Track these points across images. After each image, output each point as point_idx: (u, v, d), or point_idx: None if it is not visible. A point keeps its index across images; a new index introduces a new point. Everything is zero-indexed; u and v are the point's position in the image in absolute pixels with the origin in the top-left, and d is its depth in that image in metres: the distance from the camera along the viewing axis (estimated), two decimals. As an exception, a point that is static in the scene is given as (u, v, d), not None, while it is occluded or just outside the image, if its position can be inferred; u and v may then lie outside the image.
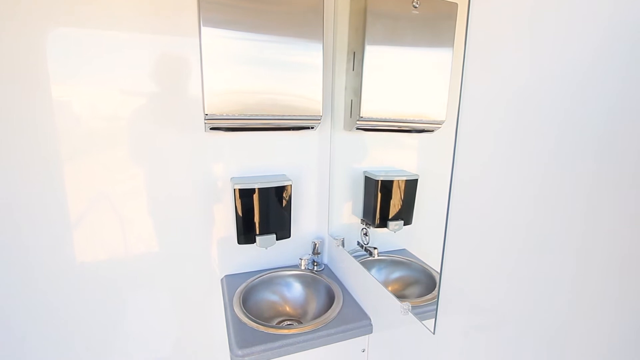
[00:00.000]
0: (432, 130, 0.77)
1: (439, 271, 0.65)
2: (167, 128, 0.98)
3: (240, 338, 0.83)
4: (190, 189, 1.04)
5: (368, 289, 0.94)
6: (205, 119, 0.91)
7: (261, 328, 0.87)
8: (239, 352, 0.79)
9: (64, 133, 0.90)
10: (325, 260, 1.25)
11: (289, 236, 1.12)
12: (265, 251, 1.17)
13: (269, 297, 1.09)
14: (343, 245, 1.09)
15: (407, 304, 0.75)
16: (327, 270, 1.19)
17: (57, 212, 0.94)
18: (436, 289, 0.67)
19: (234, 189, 1.01)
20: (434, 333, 0.66)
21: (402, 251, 0.93)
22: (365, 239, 1.00)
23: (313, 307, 1.07)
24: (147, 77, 0.93)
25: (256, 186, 1.02)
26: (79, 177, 0.94)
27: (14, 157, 0.88)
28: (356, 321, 0.92)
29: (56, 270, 0.97)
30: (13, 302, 0.96)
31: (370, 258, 0.98)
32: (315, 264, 1.18)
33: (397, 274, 0.96)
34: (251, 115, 0.93)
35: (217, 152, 1.04)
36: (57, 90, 0.87)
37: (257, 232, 1.06)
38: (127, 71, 0.92)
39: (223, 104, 0.91)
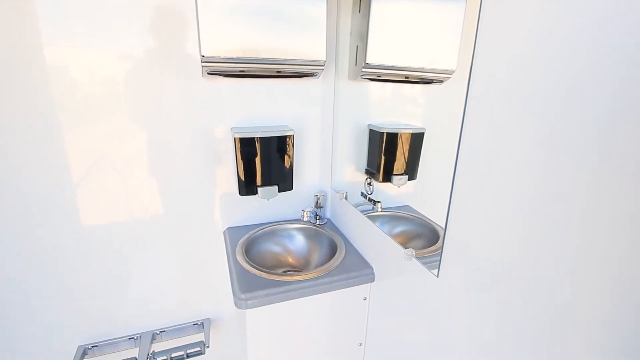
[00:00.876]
0: (442, 81, 0.73)
1: (442, 225, 0.64)
2: (167, 81, 0.94)
3: (244, 284, 0.84)
4: (190, 141, 1.01)
5: (371, 239, 0.94)
6: (202, 62, 0.86)
7: (264, 275, 0.87)
8: (242, 296, 0.80)
9: (62, 98, 0.87)
10: (328, 215, 1.25)
11: (291, 188, 1.10)
12: (268, 204, 1.16)
13: (272, 248, 1.10)
14: (346, 198, 1.08)
15: (410, 250, 0.74)
16: (330, 224, 1.19)
17: (60, 178, 0.93)
18: (440, 241, 0.66)
19: (235, 138, 0.97)
20: (437, 276, 0.66)
21: (405, 207, 0.91)
22: (369, 189, 0.98)
23: (315, 258, 1.08)
24: (144, 33, 0.88)
25: (257, 135, 0.99)
26: (79, 142, 0.92)
27: (13, 125, 0.86)
28: (358, 270, 0.93)
29: (62, 232, 0.98)
30: (21, 264, 0.98)
31: (373, 213, 0.97)
32: (317, 217, 1.18)
33: (400, 228, 0.96)
34: (250, 58, 0.88)
35: (217, 101, 1.00)
36: (52, 54, 0.84)
37: (259, 184, 1.04)
38: (123, 29, 0.86)
39: (220, 46, 0.85)
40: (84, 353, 1.07)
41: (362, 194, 1.00)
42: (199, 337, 1.18)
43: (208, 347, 1.12)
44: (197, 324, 1.19)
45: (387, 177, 0.96)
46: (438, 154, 0.74)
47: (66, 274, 1.02)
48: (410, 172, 0.91)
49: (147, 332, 1.14)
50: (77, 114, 0.90)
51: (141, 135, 0.97)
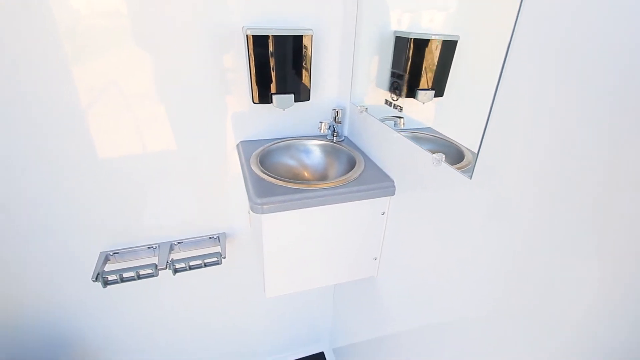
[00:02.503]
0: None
1: (467, 147, 0.59)
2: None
3: (260, 190, 0.81)
4: (200, 42, 0.91)
5: (393, 150, 0.87)
6: None
7: (280, 183, 0.84)
8: (258, 201, 0.77)
9: (66, 30, 0.81)
10: (346, 133, 1.18)
11: (308, 99, 1.02)
12: (282, 117, 1.09)
13: (287, 161, 1.05)
14: (367, 112, 1.00)
15: (439, 154, 0.68)
16: (347, 141, 1.12)
17: (72, 111, 0.90)
18: (464, 160, 0.60)
19: (247, 36, 0.87)
20: (470, 178, 0.60)
21: (428, 129, 0.83)
22: (395, 96, 0.89)
23: (333, 173, 1.04)
24: None
25: (271, 33, 0.88)
26: (88, 74, 0.87)
27: (17, 61, 0.81)
28: (378, 182, 0.88)
29: (79, 166, 0.98)
30: (45, 186, 0.98)
31: (394, 129, 0.89)
32: (335, 134, 1.11)
33: (423, 147, 0.89)
34: None
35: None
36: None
37: (274, 91, 0.96)
38: None
39: None
40: (106, 259, 1.10)
41: (386, 101, 0.91)
42: (216, 249, 1.20)
43: (224, 257, 1.15)
44: (212, 237, 1.21)
45: (412, 92, 0.86)
46: (471, 68, 0.64)
47: (86, 195, 1.03)
48: (438, 86, 0.81)
49: (165, 242, 1.17)
50: (82, 45, 0.84)
51: (149, 50, 0.87)
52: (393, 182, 0.88)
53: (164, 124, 0.99)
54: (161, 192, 1.09)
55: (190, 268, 1.13)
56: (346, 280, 1.03)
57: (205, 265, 1.14)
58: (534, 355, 0.51)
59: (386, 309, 1.04)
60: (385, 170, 0.93)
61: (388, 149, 0.91)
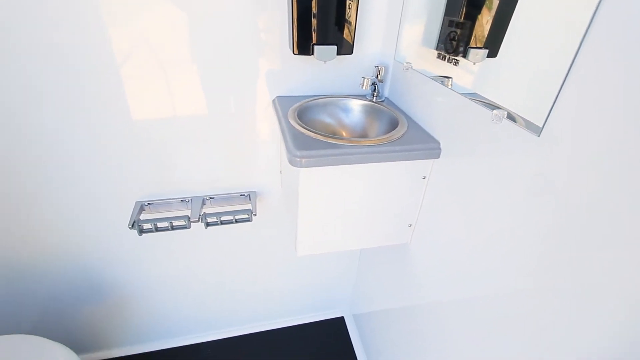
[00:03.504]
0: None
1: (523, 116, 0.54)
2: None
3: (299, 143, 0.77)
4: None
5: (442, 108, 0.81)
6: None
7: (320, 137, 0.80)
8: (298, 153, 0.74)
9: None
10: (386, 93, 1.11)
11: (351, 52, 0.96)
12: (322, 71, 1.03)
13: (325, 119, 1.01)
14: (412, 68, 0.93)
15: (500, 111, 0.62)
16: (388, 102, 1.06)
17: (107, 70, 0.90)
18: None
19: (291, -23, 0.81)
20: (539, 135, 0.54)
21: (474, 95, 0.76)
22: (445, 53, 0.81)
23: (373, 133, 0.99)
24: None
25: (318, -26, 0.81)
26: (123, 35, 0.86)
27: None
28: (423, 143, 0.83)
29: (113, 125, 0.99)
30: (82, 142, 1.00)
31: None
32: (375, 93, 1.05)
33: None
34: None
35: None
36: None
37: (315, 42, 0.90)
38: None
39: None
40: (141, 208, 1.12)
41: (439, 54, 0.84)
42: (246, 206, 1.20)
43: (255, 215, 1.14)
44: (243, 195, 1.21)
45: (463, 50, 0.78)
46: (535, 25, 0.55)
47: (121, 150, 1.04)
48: (492, 45, 0.72)
49: (197, 196, 1.17)
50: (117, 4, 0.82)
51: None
52: (439, 143, 0.83)
53: (195, 84, 0.97)
54: (193, 150, 1.09)
55: (222, 223, 1.13)
56: (378, 245, 1.01)
57: (236, 221, 1.14)
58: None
59: (416, 279, 1.01)
60: (431, 132, 0.87)
61: (436, 108, 0.84)
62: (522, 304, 0.59)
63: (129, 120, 0.99)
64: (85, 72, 0.89)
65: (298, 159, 0.74)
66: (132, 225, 1.06)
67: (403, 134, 0.85)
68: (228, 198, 1.20)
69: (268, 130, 1.11)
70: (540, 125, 0.54)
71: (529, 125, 0.56)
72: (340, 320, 1.79)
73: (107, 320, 1.44)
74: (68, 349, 1.05)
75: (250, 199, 1.20)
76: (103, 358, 1.52)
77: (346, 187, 0.84)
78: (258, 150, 1.15)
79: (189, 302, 1.49)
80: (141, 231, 1.08)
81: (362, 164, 0.80)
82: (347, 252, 1.53)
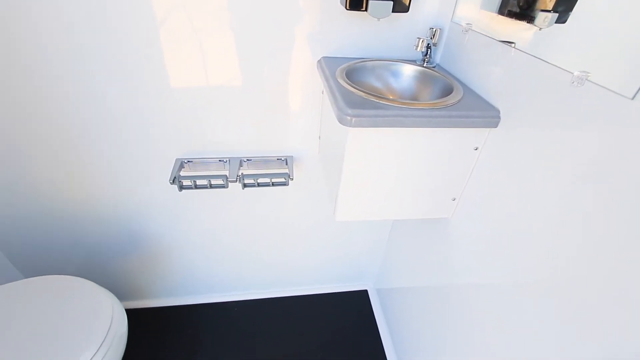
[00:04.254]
0: None
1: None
2: None
3: (350, 101, 0.74)
4: None
5: (505, 72, 0.75)
6: None
7: (372, 98, 0.76)
8: (349, 111, 0.71)
9: None
10: (438, 59, 1.04)
11: (407, 10, 0.89)
12: (372, 32, 0.98)
13: (373, 82, 0.96)
14: (472, 30, 0.86)
15: (584, 72, 0.56)
16: (439, 69, 1.00)
17: (148, 41, 0.91)
18: None
19: None
20: (632, 98, 0.48)
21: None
22: (516, 8, 0.74)
23: (425, 99, 0.93)
24: None
25: None
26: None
27: None
28: (481, 110, 0.77)
29: (153, 91, 1.00)
30: (119, 109, 1.02)
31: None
32: (427, 58, 0.98)
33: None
34: None
35: None
36: None
37: (371, -4, 0.85)
38: None
39: None
40: (181, 165, 1.14)
41: (509, 12, 0.76)
42: (283, 170, 1.19)
43: (292, 179, 1.13)
44: (280, 159, 1.19)
45: (529, 14, 0.71)
46: None
47: (160, 109, 1.05)
48: (563, 9, 0.64)
49: (235, 157, 1.17)
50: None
51: None
52: (498, 111, 0.77)
53: (234, 47, 0.95)
54: (232, 112, 1.08)
55: (259, 185, 1.13)
56: (417, 217, 0.98)
57: (273, 184, 1.14)
58: None
59: (453, 257, 0.98)
60: (489, 100, 0.81)
61: (497, 73, 0.78)
62: (582, 295, 0.55)
63: (167, 85, 0.99)
64: (127, 37, 0.90)
65: (349, 118, 0.71)
66: (173, 181, 1.07)
67: (459, 100, 0.80)
68: (265, 161, 1.19)
69: (309, 94, 1.07)
70: (635, 90, 0.48)
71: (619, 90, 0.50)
72: (364, 294, 1.80)
73: (142, 271, 1.51)
74: (110, 293, 1.10)
75: (287, 163, 1.19)
76: (135, 307, 1.60)
77: (394, 153, 0.80)
78: (297, 115, 1.12)
79: (220, 260, 1.54)
80: (181, 187, 1.10)
81: (414, 128, 0.75)
82: (379, 224, 1.51)
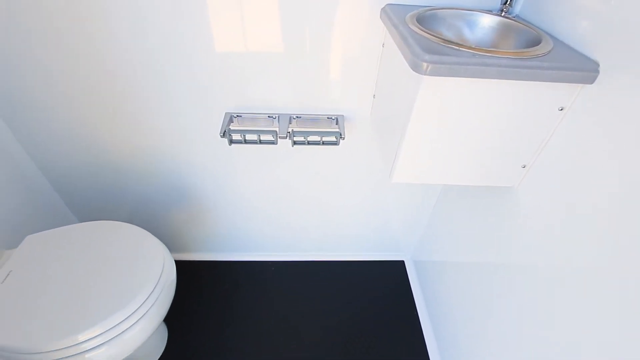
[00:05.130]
0: None
1: None
2: None
3: (426, 47, 0.67)
4: None
5: (608, 18, 0.64)
6: None
7: (451, 45, 0.68)
8: (426, 57, 0.64)
9: None
10: (517, 10, 0.93)
11: (492, -53, 0.78)
12: (446, -24, 0.88)
13: (444, 32, 0.87)
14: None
15: None
16: (521, 20, 0.88)
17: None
18: None
19: None
20: None
21: None
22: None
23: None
24: None
25: None
26: None
27: None
28: (576, 62, 0.68)
29: (199, 57, 0.99)
30: (166, 66, 1.00)
31: None
32: (505, 7, 0.87)
33: None
34: None
35: None
36: None
37: None
38: None
39: None
40: (230, 120, 1.12)
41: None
42: (334, 129, 1.14)
43: (343, 138, 1.09)
44: (331, 118, 1.15)
45: None
46: None
47: (210, 65, 1.03)
48: None
49: (284, 114, 1.13)
50: None
51: None
52: (597, 64, 0.67)
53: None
54: (282, 66, 1.03)
55: (308, 143, 1.10)
56: (479, 184, 0.91)
57: (323, 143, 1.10)
58: None
59: (513, 232, 0.91)
60: (584, 52, 0.71)
61: (598, 19, 0.67)
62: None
63: (211, 43, 0.97)
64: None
65: (424, 65, 0.64)
66: (223, 134, 1.06)
67: (549, 51, 0.70)
68: (315, 120, 1.15)
69: (365, 48, 1.00)
70: None
71: None
72: (400, 264, 1.77)
73: (187, 225, 1.55)
74: (160, 241, 1.14)
75: (337, 123, 1.14)
76: (177, 259, 1.67)
77: (468, 108, 0.73)
78: (351, 72, 1.05)
79: (262, 219, 1.55)
80: (231, 141, 1.08)
81: (496, 81, 0.67)
82: (426, 191, 1.44)
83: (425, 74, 0.65)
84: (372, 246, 1.73)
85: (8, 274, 1.00)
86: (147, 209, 1.47)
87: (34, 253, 1.06)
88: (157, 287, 1.01)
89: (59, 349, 0.89)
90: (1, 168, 1.17)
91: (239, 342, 1.42)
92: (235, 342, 1.42)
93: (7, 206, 1.20)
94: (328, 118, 1.15)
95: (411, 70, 0.67)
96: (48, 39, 0.95)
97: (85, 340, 0.91)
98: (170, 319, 1.45)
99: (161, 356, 1.36)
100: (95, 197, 1.41)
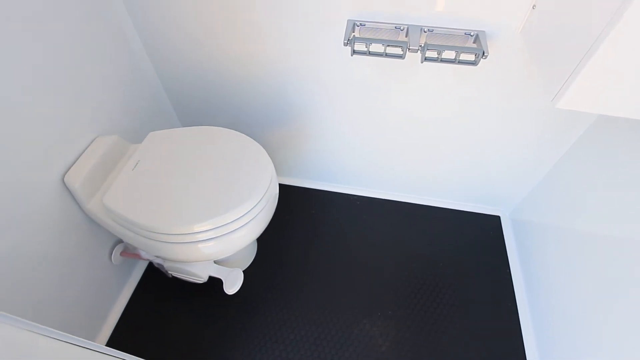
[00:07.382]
0: None
1: None
2: None
3: None
4: None
5: None
6: None
7: None
8: None
9: None
10: None
11: None
12: None
13: None
14: None
15: None
16: None
17: None
18: None
19: None
20: None
21: None
22: None
23: None
24: None
25: None
26: None
27: None
28: None
29: None
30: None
31: None
32: None
33: None
34: None
35: None
36: None
37: None
38: None
39: None
40: (352, 28, 1.00)
41: None
42: (472, 46, 0.97)
43: (485, 57, 0.92)
44: (469, 33, 0.97)
45: None
46: None
47: None
48: None
49: (414, 25, 0.99)
50: None
51: None
52: None
53: None
54: None
55: (441, 60, 0.95)
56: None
57: (459, 62, 0.95)
58: None
59: None
60: None
61: None
62: None
63: None
64: None
65: None
66: (347, 42, 0.96)
67: None
68: (449, 35, 0.98)
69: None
70: None
71: None
72: (495, 220, 1.62)
73: (284, 146, 1.55)
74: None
75: (476, 40, 0.96)
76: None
77: None
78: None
79: (362, 151, 1.48)
80: (353, 51, 0.98)
81: None
82: (557, 140, 1.23)
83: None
84: (472, 194, 1.58)
85: (137, 164, 1.08)
86: (245, 122, 1.47)
87: (156, 148, 1.13)
88: (265, 196, 1.02)
89: (178, 234, 0.96)
90: (128, 66, 1.22)
91: (319, 267, 1.45)
92: (316, 267, 1.45)
93: (135, 104, 1.28)
94: (465, 34, 0.97)
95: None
96: None
97: (199, 232, 0.96)
98: (261, 235, 1.51)
99: (249, 266, 1.45)
100: (199, 103, 1.45)
